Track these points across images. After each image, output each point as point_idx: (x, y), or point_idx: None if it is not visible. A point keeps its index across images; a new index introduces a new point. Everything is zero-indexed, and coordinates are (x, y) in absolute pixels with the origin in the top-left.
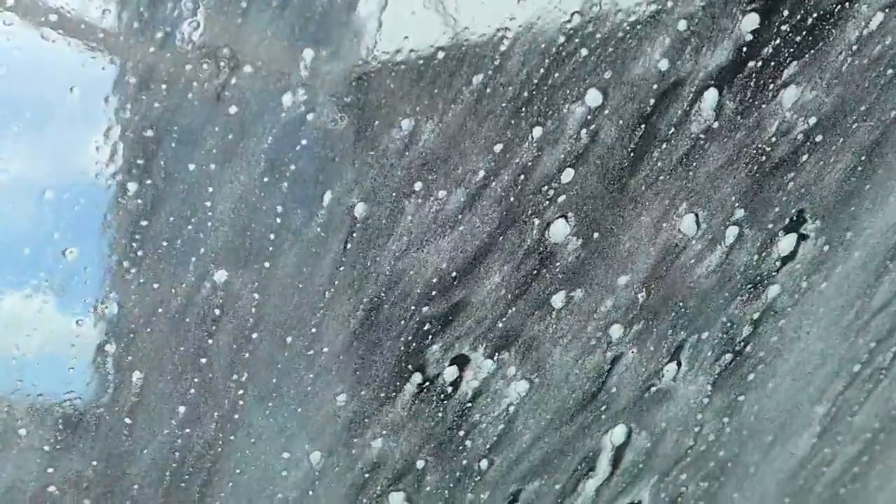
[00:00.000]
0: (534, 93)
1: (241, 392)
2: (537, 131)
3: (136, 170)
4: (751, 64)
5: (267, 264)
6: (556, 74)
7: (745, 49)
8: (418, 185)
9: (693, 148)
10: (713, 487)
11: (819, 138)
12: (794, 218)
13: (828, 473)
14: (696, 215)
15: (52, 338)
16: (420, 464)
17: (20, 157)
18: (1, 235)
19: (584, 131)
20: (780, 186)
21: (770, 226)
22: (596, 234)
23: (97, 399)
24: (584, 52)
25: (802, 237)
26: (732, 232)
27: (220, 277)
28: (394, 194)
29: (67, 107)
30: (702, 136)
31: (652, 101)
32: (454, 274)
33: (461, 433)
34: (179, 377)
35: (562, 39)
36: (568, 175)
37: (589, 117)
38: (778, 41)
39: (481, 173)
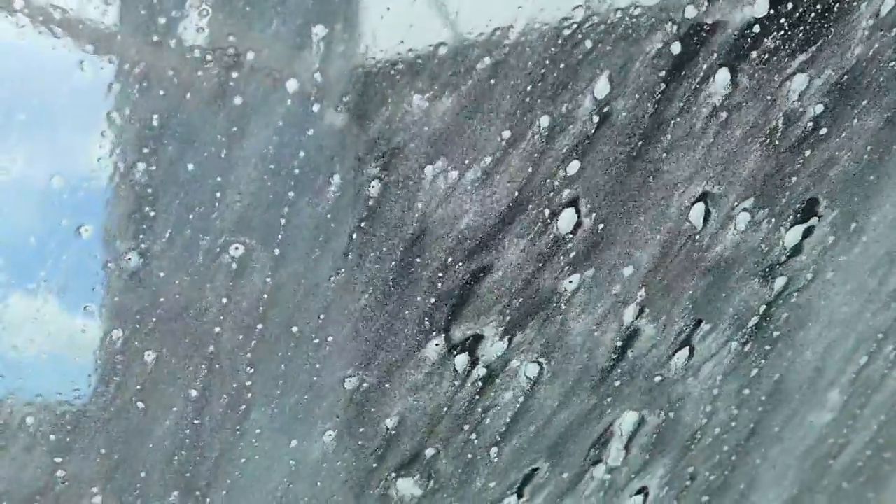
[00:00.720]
0: (540, 82)
1: (248, 384)
2: (545, 120)
3: (142, 159)
4: (758, 53)
5: (277, 251)
6: (562, 65)
7: (752, 37)
8: (428, 169)
9: (702, 135)
10: (719, 479)
11: (828, 124)
12: (806, 205)
13: (836, 465)
14: (707, 199)
15: (58, 326)
16: (430, 451)
17: (29, 142)
18: (5, 229)
19: (594, 118)
20: (795, 170)
21: (781, 213)
22: (604, 223)
23: (104, 386)
24: (588, 44)
25: (809, 231)
26: (744, 217)
27: (233, 254)
28: (404, 177)
29: (70, 97)
30: (709, 124)
31: (659, 92)
32: (465, 258)
33: (471, 418)
34: (187, 364)
35: (567, 30)
36: (583, 159)
37: (597, 106)
38: (787, 27)
39: (488, 159)
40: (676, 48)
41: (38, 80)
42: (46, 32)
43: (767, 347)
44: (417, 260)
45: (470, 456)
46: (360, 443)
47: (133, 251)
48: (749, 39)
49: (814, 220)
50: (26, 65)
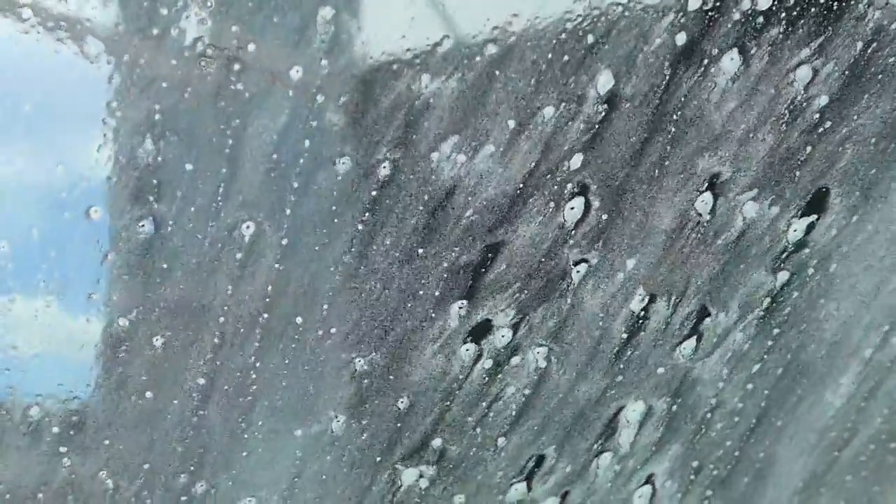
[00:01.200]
0: (544, 75)
1: (253, 376)
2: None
3: (146, 150)
4: (764, 42)
5: (285, 241)
6: (566, 57)
7: (757, 26)
8: (435, 155)
9: (710, 123)
10: (724, 470)
11: (837, 111)
12: (815, 195)
13: (842, 458)
14: (714, 187)
15: (63, 316)
16: (437, 440)
17: (35, 128)
18: (15, 220)
19: (599, 109)
20: (802, 158)
21: (789, 201)
22: (612, 212)
23: (107, 376)
24: (591, 35)
25: (818, 220)
26: (752, 206)
27: (244, 232)
28: (413, 160)
29: (72, 86)
30: (716, 113)
31: (663, 81)
32: (474, 243)
33: (478, 406)
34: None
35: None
36: (590, 150)
37: (603, 98)
38: (793, 17)
39: (493, 148)
40: (681, 38)
41: (42, 65)
42: (52, 21)
43: (772, 340)
44: (423, 246)
45: (477, 444)
46: (367, 431)
47: (139, 236)
48: (755, 29)
49: (824, 209)
50: (33, 55)
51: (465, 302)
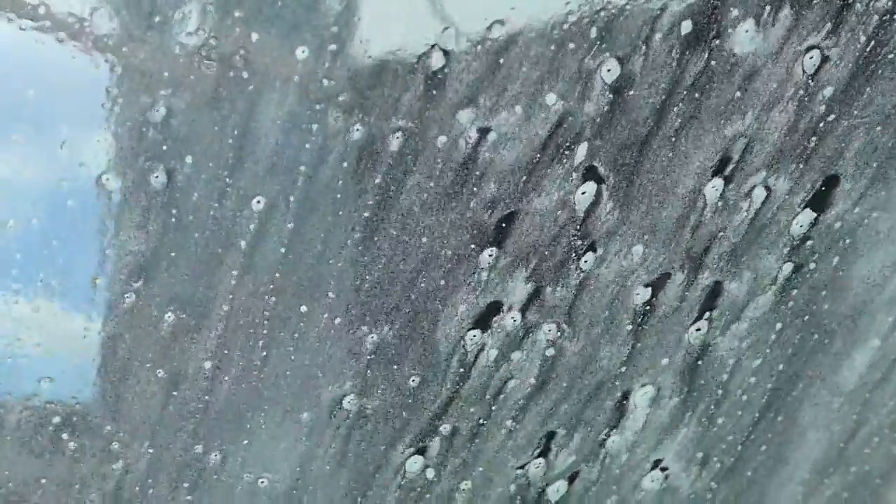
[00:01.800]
0: (551, 61)
1: (261, 358)
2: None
3: (152, 133)
4: (771, 28)
5: (290, 225)
6: (571, 45)
7: (764, 13)
8: (441, 139)
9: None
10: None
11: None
12: (826, 180)
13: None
14: (724, 170)
15: (72, 298)
16: (446, 425)
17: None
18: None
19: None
20: (813, 146)
21: (799, 187)
22: (621, 200)
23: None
24: (593, 32)
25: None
26: (761, 192)
27: (255, 208)
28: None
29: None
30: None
31: (672, 68)
32: (485, 222)
33: (487, 392)
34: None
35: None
36: (597, 138)
37: (610, 85)
38: (800, 5)
39: (495, 136)
40: (687, 26)
41: (45, 55)
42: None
43: (783, 325)
44: (436, 219)
45: (486, 429)
46: (366, 424)
47: (144, 226)
48: (761, 14)
49: (835, 192)
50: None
51: (483, 274)
